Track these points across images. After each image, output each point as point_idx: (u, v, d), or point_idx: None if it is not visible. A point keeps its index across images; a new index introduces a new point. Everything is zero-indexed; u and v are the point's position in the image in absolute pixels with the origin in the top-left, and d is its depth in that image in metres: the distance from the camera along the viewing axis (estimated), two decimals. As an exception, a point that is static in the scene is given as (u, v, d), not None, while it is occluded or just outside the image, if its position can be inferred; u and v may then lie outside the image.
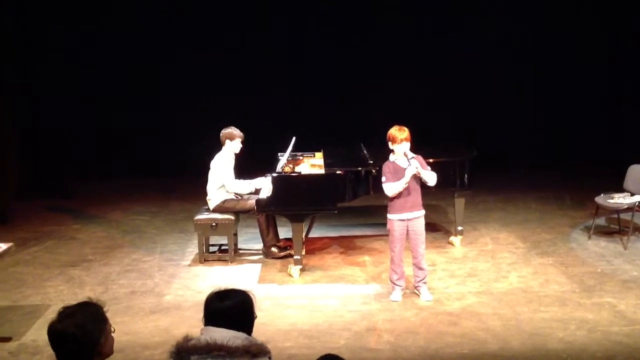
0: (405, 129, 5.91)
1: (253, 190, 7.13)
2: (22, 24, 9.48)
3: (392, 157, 5.98)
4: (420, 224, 6.02)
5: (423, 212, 6.04)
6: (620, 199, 7.38)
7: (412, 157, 5.90)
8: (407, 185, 5.86)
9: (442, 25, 11.03)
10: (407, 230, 5.99)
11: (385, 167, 5.99)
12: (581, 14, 11.00)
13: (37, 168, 10.04)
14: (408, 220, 5.96)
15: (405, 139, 5.86)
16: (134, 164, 10.75)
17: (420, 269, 6.09)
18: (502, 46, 11.12)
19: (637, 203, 7.27)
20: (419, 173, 5.84)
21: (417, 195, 5.97)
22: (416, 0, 10.91)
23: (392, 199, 5.95)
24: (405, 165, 5.86)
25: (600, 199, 7.52)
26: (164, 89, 11.09)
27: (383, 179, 5.97)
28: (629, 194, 7.44)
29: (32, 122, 9.94)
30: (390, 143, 5.93)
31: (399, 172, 5.88)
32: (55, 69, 9.99)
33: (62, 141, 10.16)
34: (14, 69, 9.34)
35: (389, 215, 6.02)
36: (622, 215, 7.69)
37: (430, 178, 5.93)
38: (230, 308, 3.01)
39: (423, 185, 5.99)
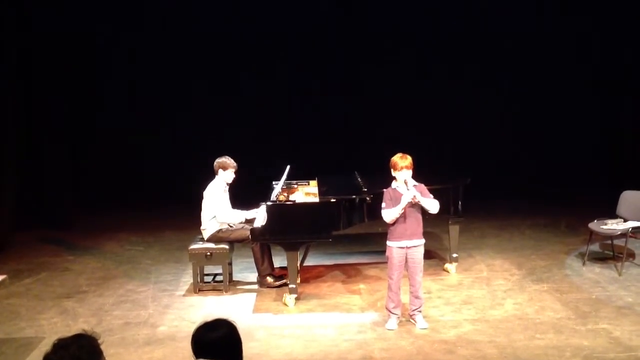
0: (408, 156, 5.93)
1: (243, 220, 7.14)
2: (23, 52, 9.55)
3: (394, 184, 6.00)
4: (419, 252, 6.02)
5: (423, 241, 6.04)
6: (613, 225, 7.41)
7: (414, 185, 5.92)
8: (403, 211, 5.88)
9: (440, 55, 11.15)
10: (406, 258, 6.00)
11: (386, 193, 6.01)
12: (579, 37, 11.12)
13: (34, 198, 10.03)
14: (407, 248, 5.96)
15: (406, 167, 5.88)
16: (128, 194, 10.78)
17: (417, 297, 6.09)
18: (498, 72, 11.23)
19: (630, 229, 7.30)
20: (414, 199, 5.85)
21: (417, 223, 5.97)
22: (412, 37, 11.06)
23: (392, 225, 5.96)
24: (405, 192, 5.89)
25: (593, 225, 7.55)
26: (162, 120, 11.17)
27: (383, 205, 6.00)
28: (622, 220, 7.48)
29: (30, 152, 9.95)
30: (392, 170, 5.97)
31: (398, 199, 5.90)
32: (56, 100, 10.05)
33: (60, 171, 10.17)
34: (14, 98, 9.37)
35: (388, 242, 6.02)
36: (616, 241, 7.72)
37: (432, 206, 5.94)
38: (221, 338, 3.00)
39: (424, 213, 5.99)
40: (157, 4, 10.91)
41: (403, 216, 5.90)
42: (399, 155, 5.95)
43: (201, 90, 11.17)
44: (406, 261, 6.00)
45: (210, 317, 3.12)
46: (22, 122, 9.68)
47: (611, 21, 10.82)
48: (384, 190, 6.06)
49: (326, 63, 11.17)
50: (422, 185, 6.01)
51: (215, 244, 7.06)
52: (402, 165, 5.88)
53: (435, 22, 11.07)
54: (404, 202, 5.85)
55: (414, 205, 5.90)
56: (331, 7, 11.11)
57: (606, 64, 11.08)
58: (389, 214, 5.93)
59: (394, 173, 5.95)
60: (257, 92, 11.14)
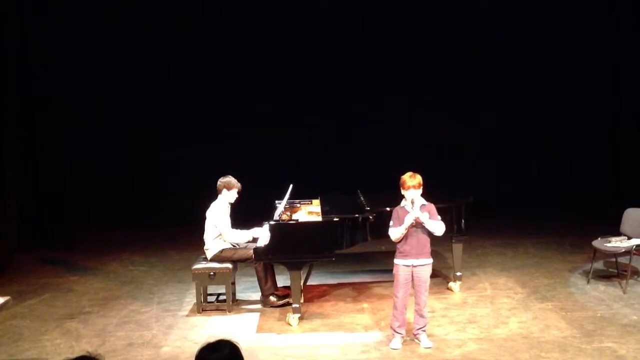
0: (418, 176, 5.93)
1: (250, 239, 7.14)
2: (23, 74, 9.62)
3: (403, 202, 6.00)
4: (426, 271, 6.00)
5: (430, 260, 6.02)
6: (617, 243, 7.39)
7: (423, 205, 5.92)
8: (406, 231, 5.87)
9: (446, 69, 11.20)
10: (412, 277, 5.98)
11: (394, 212, 6.02)
12: (580, 53, 11.18)
13: (37, 219, 10.04)
14: (413, 266, 5.95)
15: (414, 186, 5.88)
16: (131, 214, 10.80)
17: (422, 316, 6.07)
18: (500, 89, 11.26)
19: (634, 246, 7.29)
20: (417, 219, 5.85)
21: (424, 242, 5.95)
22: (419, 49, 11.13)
23: (399, 244, 5.96)
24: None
25: (597, 243, 7.53)
26: (162, 139, 11.21)
27: (390, 223, 6.00)
28: (626, 237, 7.46)
29: (33, 173, 9.98)
30: (401, 188, 5.97)
31: (404, 218, 5.91)
32: (54, 121, 10.10)
33: (62, 192, 10.19)
34: (15, 121, 9.42)
35: (395, 260, 6.02)
36: (620, 259, 7.69)
37: (437, 228, 5.92)
38: (224, 359, 3.00)
39: (431, 232, 5.97)
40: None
41: (409, 235, 5.90)
42: (408, 174, 5.96)
43: (202, 111, 11.22)
44: (412, 279, 5.99)
45: (213, 337, 3.12)
46: (23, 143, 9.73)
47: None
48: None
49: (328, 78, 11.25)
50: (432, 206, 6.00)
51: (219, 264, 7.06)
52: (409, 185, 5.88)
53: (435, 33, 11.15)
54: (406, 222, 5.86)
55: (418, 224, 5.89)
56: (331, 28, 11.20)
57: (605, 77, 11.16)
58: (394, 233, 5.94)
59: (402, 192, 5.96)
60: (262, 110, 11.20)
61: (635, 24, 10.76)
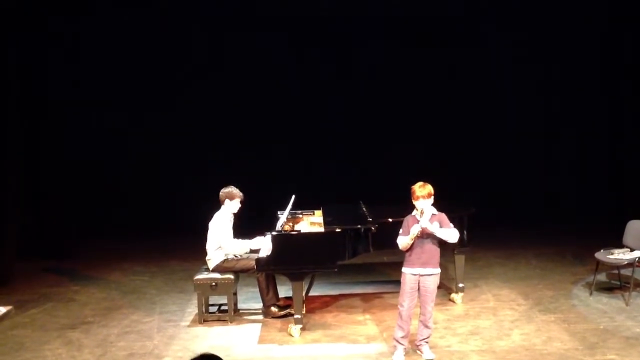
0: (428, 186, 5.92)
1: (248, 250, 7.14)
2: (25, 84, 9.65)
3: (414, 212, 6.01)
4: (432, 281, 5.97)
5: (437, 270, 5.99)
6: (620, 255, 7.38)
7: (434, 214, 5.92)
8: (412, 241, 5.87)
9: (448, 83, 11.23)
10: (419, 286, 5.98)
11: (405, 220, 6.02)
12: (581, 64, 11.20)
13: (38, 228, 10.05)
14: (420, 275, 5.94)
15: (423, 197, 5.87)
16: (133, 224, 10.80)
17: (426, 327, 6.05)
18: (500, 100, 11.28)
19: (637, 259, 7.28)
20: (425, 230, 5.84)
21: (432, 252, 5.93)
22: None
23: (406, 252, 5.96)
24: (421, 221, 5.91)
25: (600, 255, 7.52)
26: (162, 148, 11.23)
27: (400, 231, 6.01)
28: (629, 249, 7.45)
29: (34, 182, 10.00)
30: (412, 198, 5.98)
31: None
32: (56, 130, 10.12)
33: (63, 201, 10.20)
34: (17, 130, 9.44)
35: (402, 269, 6.01)
36: (623, 271, 7.68)
37: (449, 236, 5.90)
38: None
39: (442, 242, 5.95)
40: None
41: (416, 244, 5.90)
42: (419, 184, 5.96)
43: (203, 116, 11.24)
44: (419, 289, 5.98)
45: (212, 349, 3.09)
46: (25, 153, 9.74)
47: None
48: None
49: (336, 85, 11.27)
50: (443, 215, 5.98)
51: (221, 274, 7.05)
52: (418, 195, 5.89)
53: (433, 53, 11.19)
54: (412, 232, 5.86)
55: (430, 235, 5.88)
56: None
57: (610, 89, 11.18)
58: (401, 241, 5.95)
59: (413, 201, 5.97)
60: (263, 119, 11.22)
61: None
